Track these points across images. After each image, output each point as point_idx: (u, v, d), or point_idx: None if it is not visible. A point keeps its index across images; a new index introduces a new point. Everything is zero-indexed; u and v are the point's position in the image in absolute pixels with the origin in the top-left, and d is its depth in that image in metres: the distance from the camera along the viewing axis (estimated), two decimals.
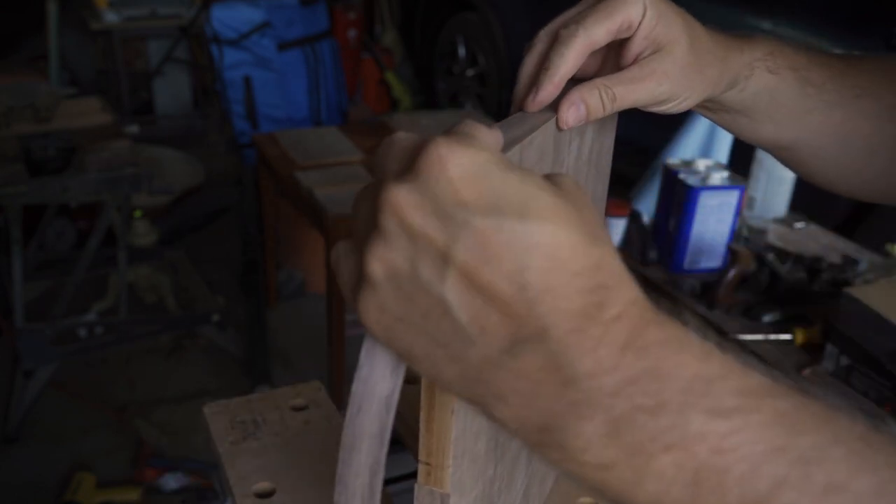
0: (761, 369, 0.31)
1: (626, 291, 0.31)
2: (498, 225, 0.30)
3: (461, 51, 4.09)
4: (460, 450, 0.44)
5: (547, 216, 0.31)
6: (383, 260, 0.32)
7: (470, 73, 4.06)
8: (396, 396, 0.36)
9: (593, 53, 0.51)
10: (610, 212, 1.71)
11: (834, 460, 0.29)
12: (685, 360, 0.30)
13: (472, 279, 0.30)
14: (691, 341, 0.31)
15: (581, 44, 0.49)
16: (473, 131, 0.34)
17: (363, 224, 0.34)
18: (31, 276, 2.54)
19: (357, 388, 0.36)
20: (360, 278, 0.34)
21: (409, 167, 0.32)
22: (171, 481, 2.10)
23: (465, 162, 0.31)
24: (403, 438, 0.86)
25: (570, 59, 0.49)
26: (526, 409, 0.31)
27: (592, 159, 0.59)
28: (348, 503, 0.37)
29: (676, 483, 0.29)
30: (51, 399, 2.34)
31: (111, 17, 3.79)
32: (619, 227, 1.77)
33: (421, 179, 0.32)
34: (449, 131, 0.34)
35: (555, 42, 0.50)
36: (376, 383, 0.36)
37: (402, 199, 0.32)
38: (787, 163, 0.66)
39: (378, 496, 0.37)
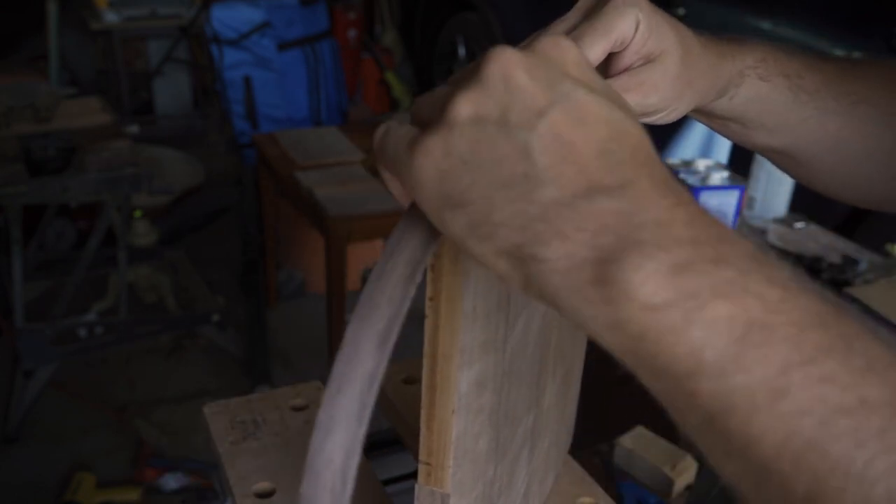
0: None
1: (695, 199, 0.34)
2: (599, 102, 0.33)
3: (461, 51, 4.09)
4: (461, 450, 0.44)
5: (635, 118, 0.34)
6: (475, 102, 0.34)
7: None
8: (381, 373, 0.35)
9: None
10: None
11: (874, 347, 0.29)
12: (749, 243, 0.32)
13: (562, 135, 0.33)
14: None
15: None
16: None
17: (438, 98, 0.36)
18: (31, 276, 2.54)
19: (338, 367, 0.35)
20: (427, 126, 0.35)
21: (525, 45, 0.36)
22: (171, 481, 2.10)
23: (578, 52, 0.35)
24: (403, 438, 0.86)
25: None
26: (586, 246, 0.31)
27: None
28: (315, 495, 0.34)
29: (723, 335, 0.29)
30: (51, 399, 2.34)
31: (111, 17, 3.79)
32: None
33: (535, 51, 0.35)
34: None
35: None
36: (360, 360, 0.35)
37: (514, 57, 0.34)
38: (782, 167, 0.65)
39: (351, 486, 0.35)
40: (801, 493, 0.27)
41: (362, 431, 0.35)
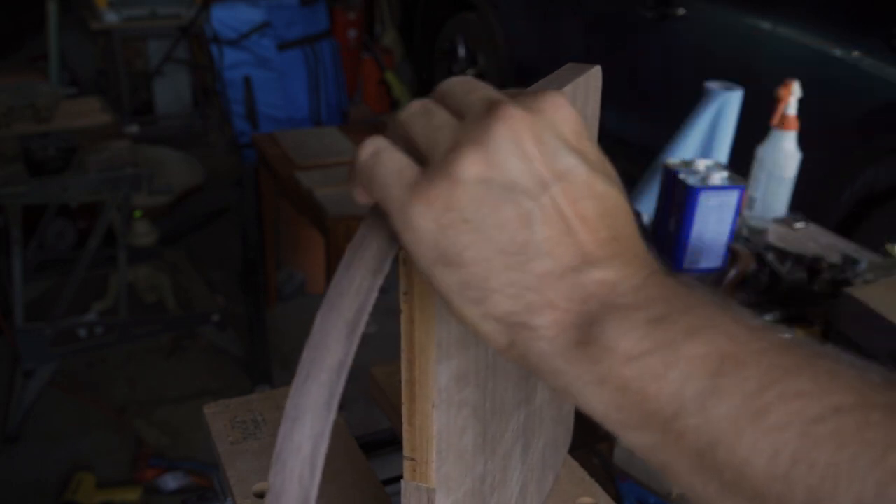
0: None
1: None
2: (596, 178, 0.35)
3: (461, 51, 4.09)
4: (444, 444, 0.44)
5: (622, 190, 0.37)
6: (484, 162, 0.34)
7: (470, 73, 4.06)
8: (349, 362, 0.35)
9: None
10: None
11: (836, 363, 0.31)
12: (712, 296, 0.34)
13: (563, 209, 0.34)
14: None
15: None
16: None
17: (436, 125, 0.36)
18: (31, 276, 2.54)
19: (306, 355, 0.35)
20: (429, 171, 0.35)
21: (527, 101, 0.35)
22: (171, 481, 2.10)
23: (576, 117, 0.36)
24: (402, 437, 0.86)
25: None
26: (573, 314, 0.34)
27: None
28: (284, 485, 0.34)
29: (700, 370, 0.31)
30: (51, 399, 2.34)
31: (111, 17, 3.79)
32: None
33: (539, 113, 0.35)
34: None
35: None
36: (329, 349, 0.35)
37: (523, 121, 0.34)
38: None
39: (319, 474, 0.35)
40: None
41: (331, 420, 0.35)
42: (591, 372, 0.33)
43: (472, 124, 0.35)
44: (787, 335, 0.32)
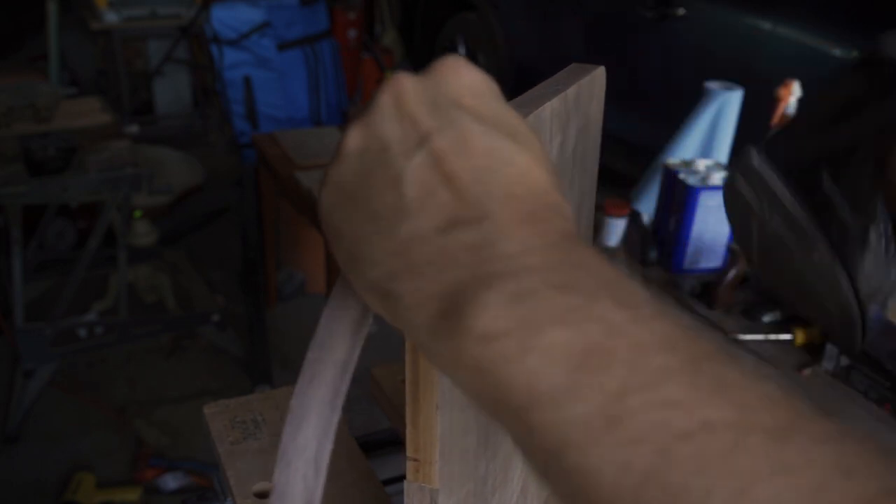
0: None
1: (572, 229, 0.32)
2: (486, 132, 0.32)
3: (461, 51, 4.09)
4: (447, 446, 0.44)
5: (530, 148, 0.33)
6: (362, 135, 0.33)
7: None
8: (354, 361, 0.35)
9: None
10: (610, 212, 1.71)
11: (726, 368, 0.26)
12: (609, 268, 0.30)
13: (439, 163, 0.31)
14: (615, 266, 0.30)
15: None
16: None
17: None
18: (31, 276, 2.54)
19: (311, 354, 0.35)
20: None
21: (426, 70, 0.35)
22: (171, 481, 2.10)
23: (476, 77, 0.35)
24: (403, 438, 0.86)
25: None
26: (434, 281, 0.30)
27: (577, 156, 0.59)
28: (288, 485, 0.34)
29: (559, 363, 0.27)
30: (51, 399, 2.34)
31: (111, 17, 3.79)
32: (619, 227, 1.77)
33: (431, 76, 0.35)
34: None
35: None
36: (334, 348, 0.35)
37: (406, 84, 0.34)
38: None
39: (324, 474, 0.34)
40: None
41: (335, 419, 0.35)
42: (448, 349, 0.29)
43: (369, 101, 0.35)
44: (680, 326, 0.27)
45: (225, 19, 3.52)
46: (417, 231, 0.31)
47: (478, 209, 0.31)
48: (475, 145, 0.32)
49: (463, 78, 0.34)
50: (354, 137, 0.34)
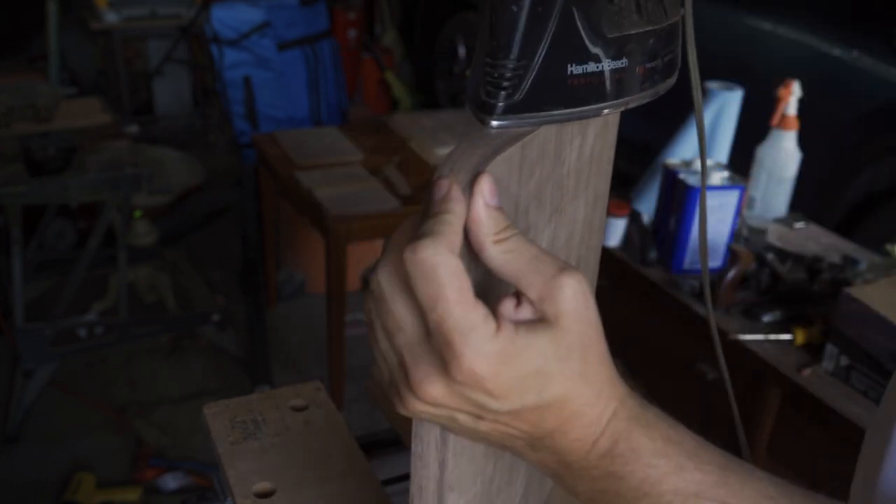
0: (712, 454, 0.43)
1: (614, 418, 0.41)
2: (521, 406, 0.40)
3: (461, 51, 4.09)
4: (458, 447, 0.44)
5: (558, 384, 0.40)
6: (425, 413, 0.41)
7: (470, 73, 4.06)
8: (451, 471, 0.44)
9: None
10: (610, 212, 1.71)
11: None
12: (639, 466, 0.41)
13: (500, 425, 0.41)
14: (648, 447, 0.41)
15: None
16: (438, 228, 0.38)
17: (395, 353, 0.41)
18: (31, 276, 2.54)
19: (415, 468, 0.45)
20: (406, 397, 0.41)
21: (441, 361, 0.38)
22: (171, 481, 2.11)
23: (487, 350, 0.38)
24: (403, 438, 0.86)
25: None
26: (540, 465, 0.44)
27: (594, 157, 0.59)
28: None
29: None
30: (51, 399, 2.34)
31: (111, 17, 3.78)
32: (619, 227, 1.77)
33: (456, 383, 0.39)
34: (416, 237, 0.38)
35: None
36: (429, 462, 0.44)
37: (439, 395, 0.39)
38: None
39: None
40: None
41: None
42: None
43: (437, 343, 0.39)
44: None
45: (225, 19, 3.52)
46: (515, 449, 0.44)
47: (543, 435, 0.42)
48: (522, 416, 0.41)
49: (478, 372, 0.38)
50: (422, 410, 0.41)
